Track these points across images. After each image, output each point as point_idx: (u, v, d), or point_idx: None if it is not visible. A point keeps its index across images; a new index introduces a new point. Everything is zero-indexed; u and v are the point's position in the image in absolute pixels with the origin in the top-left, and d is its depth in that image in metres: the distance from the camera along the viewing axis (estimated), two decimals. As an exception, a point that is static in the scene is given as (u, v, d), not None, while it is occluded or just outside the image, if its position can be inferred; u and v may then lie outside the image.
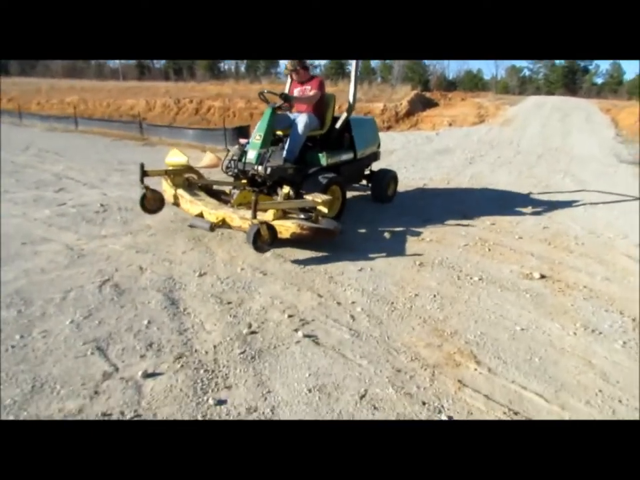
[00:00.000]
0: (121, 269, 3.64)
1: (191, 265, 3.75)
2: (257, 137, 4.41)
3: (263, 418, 2.13)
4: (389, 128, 15.78)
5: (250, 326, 2.90)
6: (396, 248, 4.29)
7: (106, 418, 2.09)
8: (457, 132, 14.33)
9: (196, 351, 2.63)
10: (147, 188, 4.42)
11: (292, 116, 4.87)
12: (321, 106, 4.96)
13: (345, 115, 5.11)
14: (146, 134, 12.04)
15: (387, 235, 4.65)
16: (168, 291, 3.30)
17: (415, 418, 2.17)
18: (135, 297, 3.21)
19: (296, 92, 5.04)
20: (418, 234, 4.69)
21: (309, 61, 5.25)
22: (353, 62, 5.04)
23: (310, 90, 4.90)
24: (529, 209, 5.75)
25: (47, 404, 2.16)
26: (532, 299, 3.35)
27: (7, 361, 2.44)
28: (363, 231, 4.78)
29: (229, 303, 3.18)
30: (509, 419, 2.16)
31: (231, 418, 2.13)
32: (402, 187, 6.83)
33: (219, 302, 3.18)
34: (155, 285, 3.38)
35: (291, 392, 2.32)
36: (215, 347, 2.67)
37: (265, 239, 3.64)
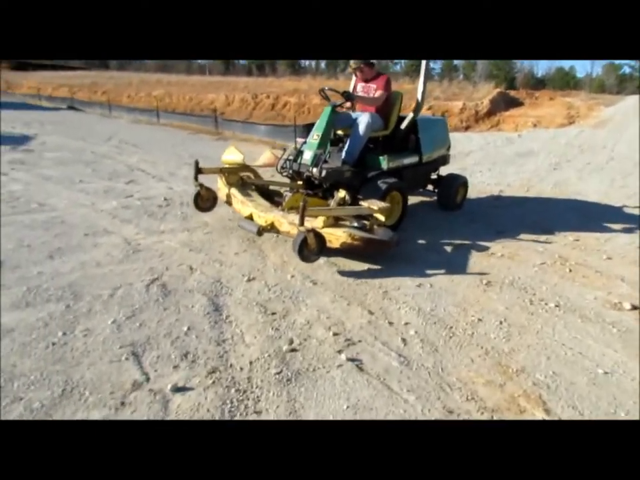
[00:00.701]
0: (171, 267, 3.59)
1: (241, 269, 3.62)
2: (314, 136, 4.18)
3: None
4: (467, 128, 15.03)
5: (291, 342, 2.70)
6: (461, 262, 3.93)
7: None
8: (542, 133, 13.34)
9: (231, 365, 2.47)
10: (201, 186, 4.35)
11: (354, 115, 4.59)
12: (386, 105, 4.65)
13: (411, 114, 4.76)
14: (220, 128, 12.28)
15: (451, 246, 4.28)
16: (213, 295, 3.19)
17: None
18: (180, 299, 3.12)
19: (359, 89, 4.76)
20: (487, 247, 4.27)
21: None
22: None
23: (375, 89, 4.59)
24: (620, 225, 5.09)
25: (73, 412, 2.09)
26: (620, 335, 2.88)
27: (44, 359, 2.42)
28: (426, 240, 4.44)
29: (274, 313, 3.01)
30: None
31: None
32: (474, 192, 6.37)
33: (264, 311, 3.02)
34: (201, 288, 3.28)
35: (325, 424, 2.09)
36: (251, 363, 2.50)
37: (312, 248, 3.42)
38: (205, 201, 4.53)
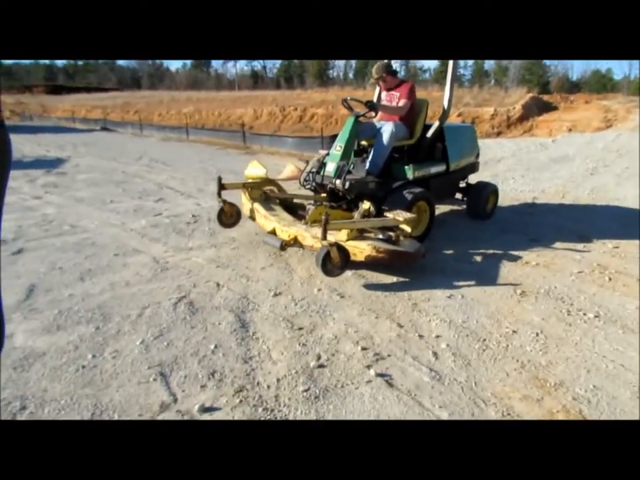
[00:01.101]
0: (199, 284, 3.60)
1: (268, 283, 3.60)
2: (337, 147, 4.11)
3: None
4: (499, 134, 14.74)
5: (319, 358, 2.65)
6: (493, 272, 3.80)
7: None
8: (577, 138, 12.94)
9: (258, 383, 2.44)
10: (224, 202, 4.35)
11: (378, 124, 4.52)
12: (410, 113, 4.57)
13: (437, 122, 4.65)
14: (248, 142, 12.44)
15: (483, 256, 4.15)
16: (240, 312, 3.18)
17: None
18: (207, 317, 3.12)
19: (383, 98, 4.70)
20: (521, 256, 4.13)
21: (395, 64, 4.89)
22: (450, 62, 4.59)
23: (398, 97, 4.53)
24: (662, 230, 4.86)
25: (101, 434, 2.09)
26: (664, 346, 2.73)
27: (74, 383, 2.44)
28: (456, 250, 4.33)
29: (300, 328, 2.97)
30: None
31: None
32: (507, 200, 6.21)
33: (290, 327, 2.98)
34: (228, 304, 3.27)
35: (354, 445, 2.03)
36: (278, 380, 2.46)
37: (335, 262, 3.34)
38: (228, 217, 4.53)
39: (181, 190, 7.13)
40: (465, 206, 5.43)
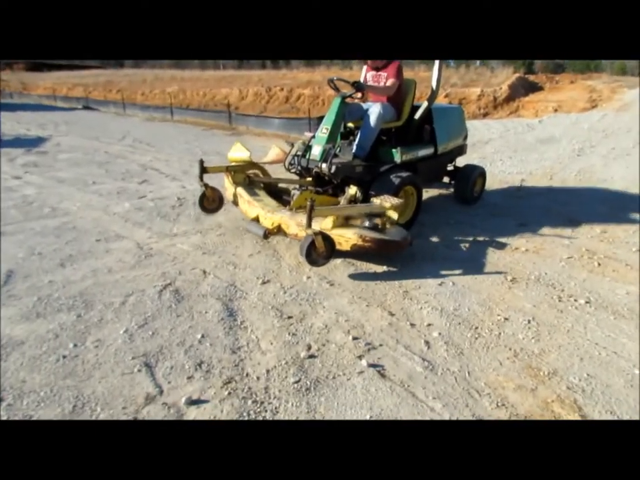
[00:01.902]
0: (184, 272, 3.50)
1: (255, 271, 3.52)
2: (323, 130, 3.94)
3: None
4: (485, 115, 14.69)
5: (309, 348, 2.59)
6: (484, 258, 3.77)
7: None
8: (563, 119, 12.94)
9: (247, 375, 2.37)
10: (206, 186, 4.18)
11: (365, 106, 4.37)
12: (398, 94, 4.42)
13: (425, 103, 4.52)
14: (234, 123, 12.20)
15: (473, 242, 4.11)
16: (227, 300, 3.10)
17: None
18: (194, 305, 3.03)
19: (370, 79, 4.54)
20: (511, 242, 4.10)
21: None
22: None
23: (386, 77, 4.38)
24: (650, 214, 4.87)
25: (84, 429, 2.01)
26: (656, 333, 2.72)
27: (54, 374, 2.35)
28: (445, 236, 4.28)
29: (290, 317, 2.90)
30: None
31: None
32: (495, 182, 6.17)
33: (279, 316, 2.91)
34: (215, 292, 3.19)
35: (346, 439, 1.98)
36: (267, 371, 2.40)
37: (320, 252, 3.22)
38: (210, 202, 4.37)
39: (165, 172, 6.96)
40: (452, 190, 5.35)
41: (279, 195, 4.34)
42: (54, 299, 3.09)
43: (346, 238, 3.33)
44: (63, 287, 3.24)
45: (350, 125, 4.52)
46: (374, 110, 4.15)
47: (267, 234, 3.48)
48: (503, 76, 19.61)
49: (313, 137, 4.10)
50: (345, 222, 3.45)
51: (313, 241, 3.15)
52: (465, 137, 5.32)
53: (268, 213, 3.69)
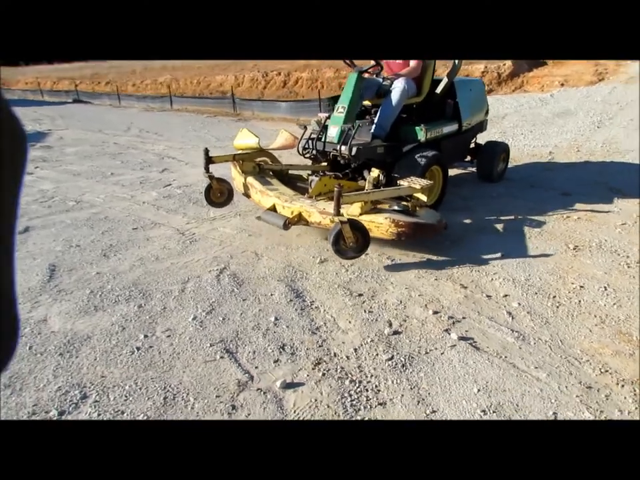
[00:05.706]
0: (236, 255, 3.37)
1: (309, 250, 3.40)
2: (339, 109, 3.61)
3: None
4: (489, 92, 14.47)
5: (390, 324, 2.48)
6: (539, 227, 3.66)
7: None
8: (573, 92, 12.74)
9: (335, 355, 2.26)
10: (211, 177, 3.77)
11: (384, 81, 3.99)
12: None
13: (446, 78, 4.18)
14: (238, 109, 11.95)
15: (521, 212, 3.99)
16: (290, 281, 2.98)
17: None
18: (256, 288, 2.91)
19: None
20: (560, 211, 3.99)
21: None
22: None
23: None
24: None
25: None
26: None
27: (133, 366, 2.23)
28: (492, 208, 4.15)
29: (360, 295, 2.79)
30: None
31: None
32: (525, 156, 6.07)
33: (349, 294, 2.80)
34: (274, 274, 3.06)
35: (461, 413, 1.88)
36: (355, 350, 2.29)
37: (350, 241, 2.89)
38: (217, 195, 3.92)
39: (184, 159, 6.78)
40: (472, 169, 5.09)
41: (291, 182, 4.02)
42: (108, 290, 2.95)
43: (377, 223, 3.02)
44: (113, 278, 3.10)
45: (366, 102, 4.13)
46: (398, 85, 3.81)
47: (288, 224, 3.16)
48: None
49: (328, 117, 3.78)
50: (373, 207, 3.15)
51: (341, 230, 2.85)
52: (487, 112, 5.02)
53: (286, 202, 3.34)
